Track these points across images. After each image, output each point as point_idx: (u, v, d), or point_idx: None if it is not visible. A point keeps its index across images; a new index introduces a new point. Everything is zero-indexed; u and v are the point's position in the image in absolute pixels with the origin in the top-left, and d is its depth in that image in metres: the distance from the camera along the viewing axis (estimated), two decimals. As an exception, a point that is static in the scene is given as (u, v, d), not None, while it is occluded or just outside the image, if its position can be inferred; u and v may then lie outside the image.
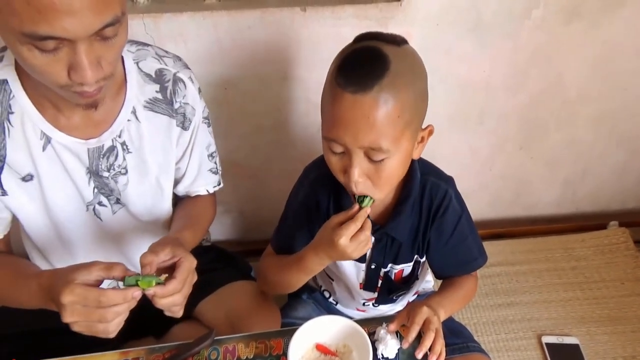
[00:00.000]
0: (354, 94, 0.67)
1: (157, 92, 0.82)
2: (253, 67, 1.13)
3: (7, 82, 0.73)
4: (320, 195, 0.88)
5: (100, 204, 0.86)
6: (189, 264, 0.72)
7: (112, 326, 0.65)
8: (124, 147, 0.82)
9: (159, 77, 0.82)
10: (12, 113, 0.74)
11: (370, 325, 0.80)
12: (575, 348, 1.25)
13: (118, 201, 0.87)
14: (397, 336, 0.78)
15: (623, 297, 1.36)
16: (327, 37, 1.10)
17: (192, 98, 0.85)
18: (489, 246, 1.43)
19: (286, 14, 1.07)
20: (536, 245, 1.49)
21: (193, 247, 0.87)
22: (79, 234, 0.88)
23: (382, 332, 0.77)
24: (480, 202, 1.52)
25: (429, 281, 1.12)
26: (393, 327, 0.77)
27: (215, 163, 0.97)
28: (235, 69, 1.13)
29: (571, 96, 1.31)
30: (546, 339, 1.27)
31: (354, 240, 0.75)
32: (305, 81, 1.17)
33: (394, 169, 0.74)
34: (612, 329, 1.29)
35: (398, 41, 0.72)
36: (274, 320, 0.98)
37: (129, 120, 0.81)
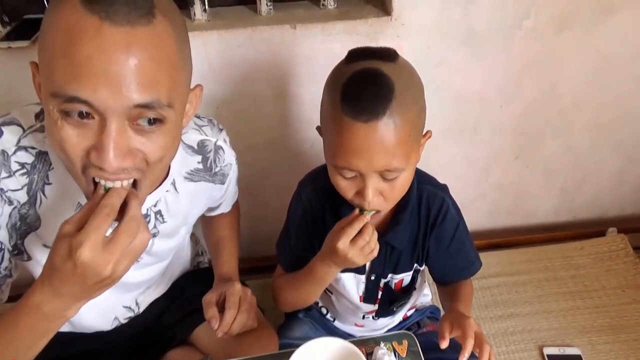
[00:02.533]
0: (367, 122, 0.67)
1: (198, 162, 0.82)
2: (244, 85, 1.13)
3: (48, 154, 0.69)
4: (317, 209, 0.89)
5: None
6: (232, 289, 0.83)
7: None
8: (158, 216, 0.80)
9: (201, 149, 0.82)
10: (49, 184, 0.70)
11: (368, 345, 0.79)
12: (577, 359, 1.24)
13: (139, 260, 0.85)
14: (395, 355, 0.77)
15: (624, 304, 1.35)
16: (318, 54, 1.10)
17: (229, 157, 0.87)
18: (487, 257, 1.45)
19: (276, 32, 1.06)
20: (535, 255, 1.48)
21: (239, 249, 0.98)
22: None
23: (379, 352, 0.76)
24: (478, 213, 1.51)
25: (426, 295, 1.12)
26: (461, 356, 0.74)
27: (236, 186, 0.99)
28: (227, 87, 1.13)
29: (566, 105, 1.30)
30: (548, 350, 1.25)
31: (354, 244, 0.76)
32: (297, 98, 1.17)
33: (406, 182, 0.76)
34: (614, 338, 1.28)
35: (392, 56, 0.72)
36: (270, 342, 0.96)
37: (167, 191, 0.78)
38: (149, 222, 0.80)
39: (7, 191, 0.68)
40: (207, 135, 0.82)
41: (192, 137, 0.81)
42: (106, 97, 0.52)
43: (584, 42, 1.18)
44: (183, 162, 0.80)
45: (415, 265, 0.93)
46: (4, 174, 0.67)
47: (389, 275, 0.92)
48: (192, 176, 0.82)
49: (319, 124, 0.79)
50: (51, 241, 0.61)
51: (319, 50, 1.09)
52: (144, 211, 0.78)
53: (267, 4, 1.08)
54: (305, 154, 1.27)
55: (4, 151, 0.66)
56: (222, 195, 0.94)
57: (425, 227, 0.88)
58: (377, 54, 0.71)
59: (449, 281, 0.96)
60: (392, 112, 0.67)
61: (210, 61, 1.08)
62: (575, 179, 1.48)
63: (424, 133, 0.78)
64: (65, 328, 0.94)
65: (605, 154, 1.43)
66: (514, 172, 1.43)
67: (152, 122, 0.56)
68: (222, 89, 1.13)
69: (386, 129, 0.67)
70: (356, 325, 1.04)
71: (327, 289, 1.00)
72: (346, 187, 0.75)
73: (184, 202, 0.82)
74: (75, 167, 0.58)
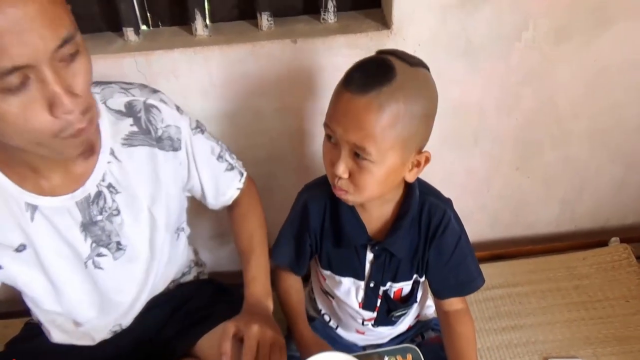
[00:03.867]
0: (352, 93, 0.72)
1: (131, 125, 0.80)
2: (246, 99, 1.14)
3: None
4: (315, 213, 0.92)
5: (99, 255, 0.84)
6: (250, 331, 0.79)
7: None
8: (111, 189, 0.80)
9: (129, 110, 0.80)
10: None
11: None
12: (582, 370, 1.23)
13: (119, 246, 0.85)
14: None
15: (628, 315, 1.34)
16: (319, 68, 1.10)
17: (171, 118, 0.83)
18: (489, 268, 1.45)
19: (277, 47, 1.07)
20: (537, 266, 1.47)
21: (267, 257, 0.97)
22: (79, 294, 0.86)
23: (384, 367, 0.76)
24: (479, 224, 1.51)
25: (430, 306, 1.12)
26: None
27: (227, 161, 0.96)
28: (228, 102, 1.13)
29: (565, 115, 1.31)
30: (552, 362, 1.25)
31: None
32: (298, 112, 1.17)
33: (376, 178, 0.77)
34: (619, 349, 1.27)
35: (413, 62, 0.76)
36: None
37: (109, 162, 0.79)
38: (104, 198, 0.80)
39: None
40: (134, 96, 0.81)
41: (117, 100, 0.80)
42: (33, 49, 0.56)
43: (582, 53, 1.19)
44: (113, 127, 0.79)
45: (415, 275, 0.93)
46: None
47: (388, 284, 0.93)
48: (130, 141, 0.80)
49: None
50: (10, 240, 0.75)
51: (319, 64, 1.10)
52: (94, 190, 0.78)
53: (267, 19, 1.09)
54: (307, 167, 1.27)
55: None
56: (197, 173, 0.91)
57: (425, 238, 0.89)
58: (400, 55, 0.76)
59: (448, 296, 0.95)
60: (378, 95, 0.71)
61: (212, 76, 1.09)
62: (575, 189, 1.48)
63: (421, 150, 0.80)
64: (64, 340, 0.94)
65: (604, 163, 1.43)
66: (514, 183, 1.43)
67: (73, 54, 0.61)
68: (224, 103, 1.14)
69: (366, 107, 0.72)
70: (358, 332, 1.04)
71: (328, 293, 1.02)
72: (327, 153, 0.80)
73: (129, 170, 0.81)
74: (48, 139, 0.62)
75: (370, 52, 1.09)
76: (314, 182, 0.97)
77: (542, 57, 1.18)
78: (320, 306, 1.08)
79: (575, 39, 1.17)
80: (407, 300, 0.98)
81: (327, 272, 0.97)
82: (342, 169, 0.76)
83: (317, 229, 0.93)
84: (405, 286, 0.95)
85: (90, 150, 0.74)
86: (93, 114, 0.67)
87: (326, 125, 0.79)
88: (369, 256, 0.91)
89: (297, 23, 1.12)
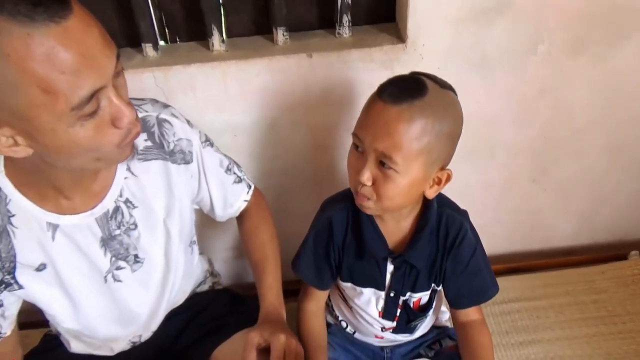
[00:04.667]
0: (385, 102, 0.76)
1: (145, 140, 0.82)
2: (261, 113, 1.15)
3: (0, 189, 0.73)
4: (338, 229, 0.93)
5: (118, 268, 0.85)
6: (277, 340, 0.80)
7: None
8: (128, 204, 0.82)
9: (144, 126, 0.82)
10: (12, 216, 0.75)
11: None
12: (602, 387, 1.21)
13: (136, 259, 0.86)
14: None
15: (649, 330, 1.32)
16: (334, 81, 1.11)
17: (182, 132, 0.86)
18: (506, 281, 1.44)
19: (293, 61, 1.08)
20: (555, 279, 1.45)
21: (280, 267, 0.98)
22: (98, 310, 0.88)
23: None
24: (495, 236, 1.49)
25: (444, 312, 1.13)
26: None
27: (235, 173, 0.97)
28: (244, 115, 1.15)
29: (581, 127, 1.30)
30: (572, 378, 1.23)
31: None
32: (313, 125, 1.18)
33: (399, 188, 0.79)
34: (640, 365, 1.25)
35: (444, 84, 0.80)
36: None
37: (125, 177, 0.81)
38: (122, 213, 0.82)
39: None
40: (147, 112, 0.83)
41: None
42: (104, 70, 0.60)
43: (598, 65, 1.19)
44: None
45: (433, 285, 0.95)
46: None
47: (408, 294, 0.95)
48: (145, 155, 0.83)
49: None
50: (31, 261, 0.77)
51: (334, 78, 1.11)
52: (112, 205, 0.80)
53: (283, 34, 1.10)
54: (322, 179, 1.27)
55: None
56: (206, 185, 0.92)
57: (444, 249, 0.91)
58: (433, 77, 0.81)
59: (463, 305, 0.97)
60: (410, 107, 0.74)
61: (228, 90, 1.10)
62: (593, 202, 1.47)
63: (444, 168, 0.82)
64: (82, 350, 0.95)
65: (622, 176, 1.42)
66: (530, 196, 1.42)
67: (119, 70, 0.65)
68: (240, 116, 1.15)
69: (398, 115, 0.75)
70: (376, 337, 1.06)
71: (347, 302, 1.04)
72: (352, 162, 0.83)
73: (145, 184, 0.83)
74: (112, 150, 0.67)
75: (384, 66, 1.11)
76: (335, 198, 0.98)
77: (558, 69, 1.18)
78: (337, 313, 1.09)
79: (591, 52, 1.16)
80: (425, 310, 1.00)
81: (348, 284, 0.99)
82: (366, 176, 0.79)
83: (339, 244, 0.94)
84: (424, 296, 0.97)
85: (132, 149, 0.77)
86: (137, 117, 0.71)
87: (354, 134, 0.81)
88: (390, 268, 0.93)
89: (313, 38, 1.14)
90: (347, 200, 0.91)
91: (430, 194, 0.84)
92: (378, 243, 0.91)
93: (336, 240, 0.94)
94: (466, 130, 1.25)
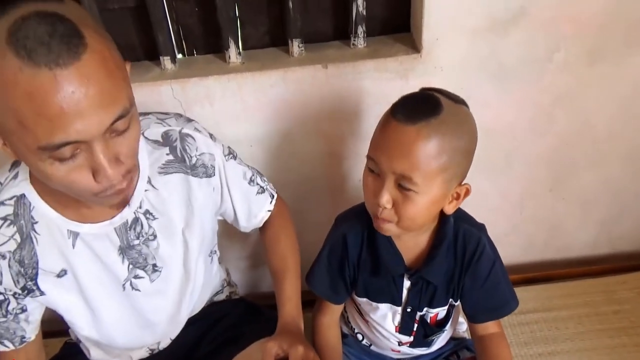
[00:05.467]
0: (400, 122, 0.74)
1: (167, 154, 0.83)
2: (277, 123, 1.16)
3: (25, 195, 0.76)
4: (352, 244, 0.92)
5: (136, 277, 0.87)
6: (296, 352, 0.80)
7: None
8: (148, 215, 0.83)
9: (166, 140, 0.83)
10: (36, 223, 0.77)
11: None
12: (624, 400, 1.18)
13: (155, 268, 0.87)
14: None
15: (673, 342, 1.29)
16: (349, 91, 1.12)
17: (205, 146, 0.86)
18: (523, 291, 1.42)
19: (308, 72, 1.09)
20: (574, 289, 1.43)
21: (299, 276, 0.98)
22: (116, 318, 0.89)
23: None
24: (512, 246, 1.48)
25: (462, 323, 1.12)
26: None
27: (258, 184, 0.98)
28: (260, 126, 1.16)
29: (601, 135, 1.29)
30: (593, 391, 1.21)
31: None
32: (328, 135, 1.19)
33: (419, 208, 0.78)
34: (664, 378, 1.22)
35: (456, 99, 0.79)
36: None
37: (146, 190, 0.82)
38: (141, 224, 0.83)
39: None
40: (170, 126, 0.84)
41: (154, 130, 0.83)
42: (88, 129, 0.58)
43: (616, 73, 1.17)
44: (150, 156, 0.82)
45: (451, 300, 0.94)
46: None
47: (425, 309, 0.94)
48: (166, 169, 0.83)
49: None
50: (52, 267, 0.79)
51: (349, 88, 1.11)
52: (131, 216, 0.81)
53: (298, 45, 1.11)
54: (337, 190, 1.28)
55: None
56: (230, 197, 0.93)
57: (461, 265, 0.90)
58: (445, 93, 0.79)
59: (481, 320, 0.96)
60: (427, 126, 0.73)
61: (244, 101, 1.11)
62: (613, 210, 1.44)
63: (462, 183, 0.82)
64: (102, 357, 0.97)
65: (643, 184, 1.40)
66: (549, 205, 1.41)
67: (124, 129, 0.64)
68: (256, 128, 1.16)
69: (415, 135, 0.73)
70: (392, 350, 1.05)
71: (363, 316, 1.03)
72: (369, 185, 0.81)
73: (165, 197, 0.83)
74: (88, 196, 0.66)
75: (399, 76, 1.11)
76: (349, 212, 0.98)
77: (575, 78, 1.17)
78: (353, 325, 1.09)
79: (609, 59, 1.15)
80: (443, 324, 0.99)
81: (363, 299, 0.98)
82: (385, 199, 0.77)
83: (354, 260, 0.94)
84: (441, 311, 0.96)
85: (126, 202, 0.76)
86: (133, 175, 0.70)
87: (369, 157, 0.80)
88: (406, 284, 0.92)
89: (328, 49, 1.14)
90: (361, 215, 0.89)
91: (450, 209, 0.83)
92: (394, 260, 0.90)
93: (351, 257, 0.93)
94: (482, 139, 1.24)
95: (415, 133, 0.73)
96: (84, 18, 0.60)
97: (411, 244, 0.90)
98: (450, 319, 0.99)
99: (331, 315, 1.02)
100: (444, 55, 1.10)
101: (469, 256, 0.89)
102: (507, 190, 1.36)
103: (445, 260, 0.89)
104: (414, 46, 1.11)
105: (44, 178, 0.64)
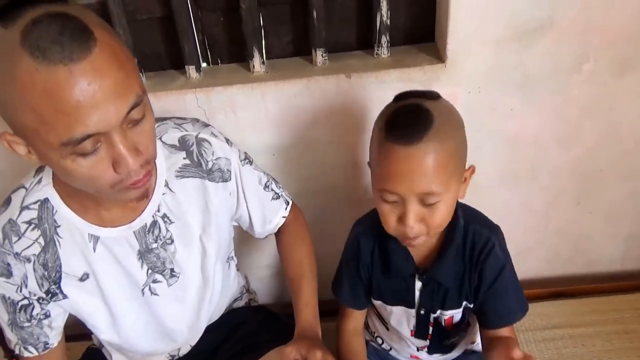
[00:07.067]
0: (406, 146, 0.74)
1: (184, 158, 0.84)
2: (300, 132, 1.16)
3: (48, 199, 0.77)
4: (365, 248, 0.94)
5: (154, 281, 0.87)
6: (314, 357, 0.80)
7: None
8: (165, 219, 0.84)
9: (183, 144, 0.84)
10: (59, 226, 0.78)
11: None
12: (655, 422, 1.14)
13: (172, 273, 0.88)
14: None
15: None
16: (372, 101, 1.12)
17: (221, 151, 0.87)
18: (548, 306, 1.39)
19: (331, 82, 1.09)
20: (601, 305, 1.39)
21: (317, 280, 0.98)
22: (136, 322, 0.90)
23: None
24: (537, 260, 1.45)
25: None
26: None
27: (273, 190, 0.98)
28: (283, 135, 1.16)
29: (629, 147, 1.26)
30: (621, 412, 1.17)
31: None
32: (351, 145, 1.18)
33: (445, 212, 0.79)
34: (696, 400, 1.18)
35: (434, 96, 0.80)
36: None
37: (163, 193, 0.83)
38: (159, 228, 0.83)
39: (21, 252, 0.78)
40: (187, 131, 0.85)
41: (172, 135, 0.84)
42: (106, 119, 0.60)
43: (647, 84, 1.15)
44: (167, 160, 0.83)
45: (465, 302, 0.93)
46: (14, 239, 0.77)
47: (438, 311, 0.93)
48: (183, 172, 0.84)
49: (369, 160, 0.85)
50: (75, 271, 0.80)
51: (373, 98, 1.11)
52: (150, 219, 0.82)
53: (322, 55, 1.11)
54: (359, 199, 1.27)
55: (10, 219, 0.77)
56: (245, 202, 0.93)
57: (470, 265, 0.89)
58: (421, 93, 0.80)
59: (488, 325, 0.93)
60: (429, 138, 0.73)
61: (268, 110, 1.12)
62: (642, 225, 1.41)
63: (467, 167, 0.83)
64: None
65: (675, 198, 1.36)
66: (575, 218, 1.38)
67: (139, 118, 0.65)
68: (279, 137, 1.16)
69: (425, 153, 0.74)
70: (412, 356, 1.04)
71: (381, 320, 1.03)
72: (388, 214, 0.80)
73: (182, 200, 0.84)
74: (106, 189, 0.67)
75: (423, 85, 1.10)
76: (365, 216, 0.99)
77: (604, 88, 1.15)
78: (373, 329, 1.09)
79: (638, 70, 1.12)
80: (459, 328, 0.98)
81: (378, 302, 0.98)
82: (413, 220, 0.78)
83: (367, 261, 0.95)
84: (456, 314, 0.95)
85: (146, 195, 0.78)
86: (151, 167, 0.71)
87: (382, 190, 0.78)
88: (418, 285, 0.92)
89: (351, 58, 1.15)
90: (374, 217, 0.89)
91: (461, 194, 0.84)
92: (404, 260, 0.90)
93: (364, 258, 0.94)
94: (505, 150, 1.24)
95: (422, 152, 0.73)
96: (89, 15, 0.62)
97: (422, 244, 0.89)
98: (468, 323, 0.98)
99: (354, 322, 1.02)
100: (469, 65, 1.09)
101: (477, 256, 0.88)
102: (533, 203, 1.34)
103: (454, 262, 0.89)
104: (439, 56, 1.11)
105: (66, 176, 0.66)
